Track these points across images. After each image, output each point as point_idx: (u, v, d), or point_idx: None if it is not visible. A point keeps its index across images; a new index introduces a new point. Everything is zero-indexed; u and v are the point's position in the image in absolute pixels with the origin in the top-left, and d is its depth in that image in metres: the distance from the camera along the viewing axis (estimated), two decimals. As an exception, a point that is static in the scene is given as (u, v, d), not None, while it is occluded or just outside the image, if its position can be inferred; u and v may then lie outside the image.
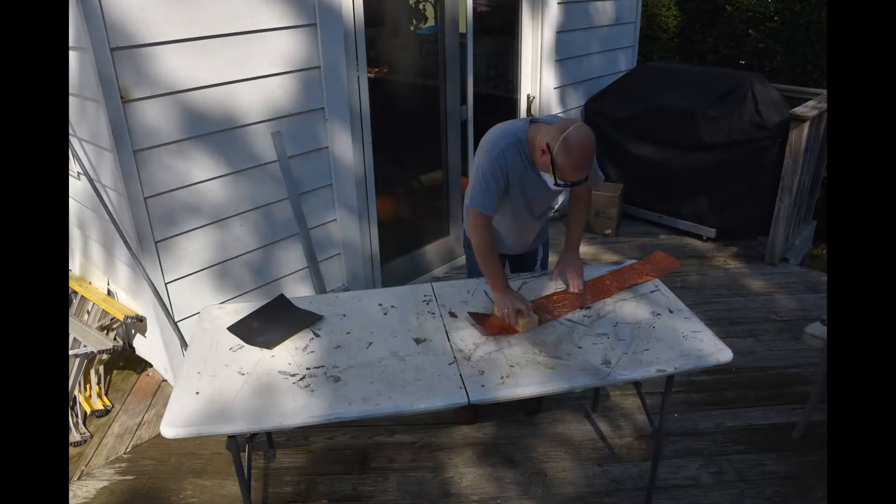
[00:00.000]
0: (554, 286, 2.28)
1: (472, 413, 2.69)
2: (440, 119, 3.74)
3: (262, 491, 2.39)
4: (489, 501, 2.33)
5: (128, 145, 2.35)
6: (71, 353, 2.69)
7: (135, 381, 3.07)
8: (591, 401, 2.78)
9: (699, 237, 4.31)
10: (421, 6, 3.67)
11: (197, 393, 1.76)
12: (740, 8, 5.79)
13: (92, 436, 2.69)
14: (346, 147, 3.08)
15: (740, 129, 3.90)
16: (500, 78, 4.41)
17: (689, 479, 2.40)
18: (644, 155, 4.32)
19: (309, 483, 2.43)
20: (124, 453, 2.60)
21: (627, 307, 2.15)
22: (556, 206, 4.51)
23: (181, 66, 2.42)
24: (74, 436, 2.64)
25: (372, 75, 3.23)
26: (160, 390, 2.99)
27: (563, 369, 1.85)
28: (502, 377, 1.81)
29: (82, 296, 3.06)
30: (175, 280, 2.66)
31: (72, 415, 2.70)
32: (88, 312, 3.02)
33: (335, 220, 3.20)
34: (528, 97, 4.20)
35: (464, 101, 3.73)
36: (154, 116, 2.40)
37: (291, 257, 3.07)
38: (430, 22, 3.63)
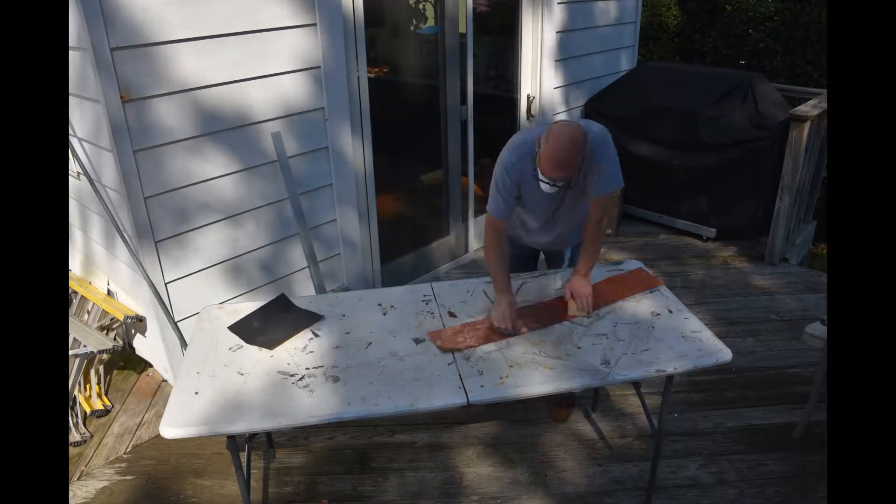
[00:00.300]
0: (553, 288, 2.28)
1: (566, 409, 2.72)
2: (440, 119, 3.74)
3: (262, 491, 2.39)
4: (489, 501, 2.33)
5: (128, 145, 2.35)
6: (71, 353, 2.69)
7: (135, 381, 3.07)
8: (590, 401, 2.78)
9: (699, 237, 4.31)
10: (421, 6, 3.67)
11: (196, 393, 1.76)
12: (740, 8, 5.79)
13: (92, 436, 2.69)
14: (346, 147, 3.08)
15: (740, 129, 3.90)
16: (500, 78, 4.41)
17: (689, 479, 2.40)
18: (644, 155, 4.32)
19: (309, 483, 2.43)
20: (124, 453, 2.60)
21: (627, 307, 2.15)
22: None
23: (181, 66, 2.42)
24: (74, 436, 2.63)
25: (372, 75, 3.23)
26: (160, 390, 2.99)
27: (563, 369, 1.85)
28: (501, 377, 1.81)
29: (82, 296, 3.06)
30: (175, 280, 2.66)
31: (72, 415, 2.70)
32: (88, 312, 3.02)
33: (335, 219, 3.20)
34: (529, 97, 4.20)
35: (464, 101, 3.73)
36: (154, 116, 2.40)
37: (291, 257, 3.07)
38: (430, 22, 3.63)
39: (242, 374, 1.84)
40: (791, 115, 3.63)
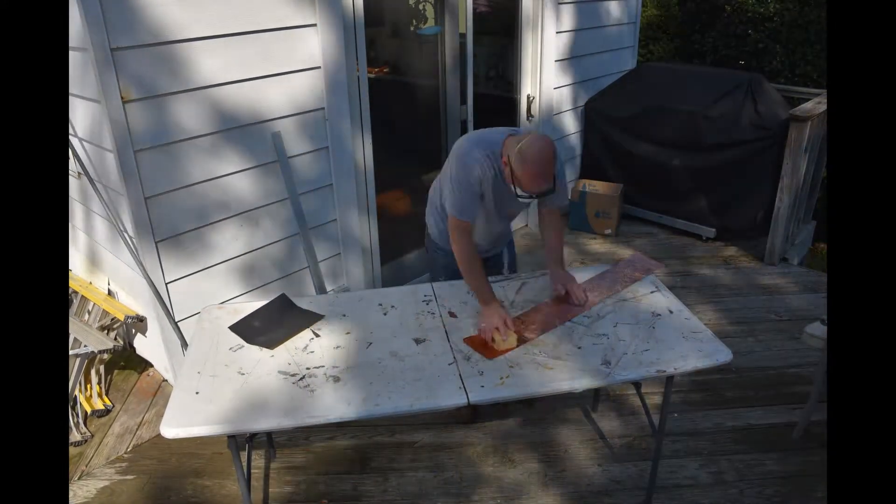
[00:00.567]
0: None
1: (471, 412, 2.69)
2: (440, 119, 3.74)
3: (263, 491, 2.39)
4: (489, 501, 2.34)
5: (128, 145, 2.35)
6: (71, 353, 2.69)
7: (135, 380, 3.07)
8: (590, 401, 2.78)
9: (699, 237, 4.31)
10: (421, 6, 3.67)
11: (197, 393, 1.76)
12: (740, 8, 5.79)
13: (92, 436, 2.69)
14: (347, 147, 3.08)
15: (740, 129, 3.90)
16: (500, 78, 4.41)
17: (689, 478, 2.40)
18: (644, 155, 4.32)
19: (309, 483, 2.43)
20: (125, 453, 2.61)
21: (628, 307, 2.15)
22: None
23: (181, 67, 2.42)
24: (75, 436, 2.64)
25: (372, 75, 3.23)
26: (161, 390, 2.99)
27: (563, 370, 1.85)
28: (502, 378, 1.81)
29: (82, 296, 3.06)
30: (175, 280, 2.66)
31: (72, 415, 2.70)
32: (89, 312, 3.02)
33: (335, 220, 3.20)
34: (528, 97, 4.20)
35: (464, 101, 3.73)
36: (154, 116, 2.40)
37: (292, 257, 3.07)
38: (430, 22, 3.63)
39: (243, 374, 1.85)
40: (791, 115, 3.63)
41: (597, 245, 4.31)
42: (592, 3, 4.35)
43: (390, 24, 3.58)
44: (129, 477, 2.48)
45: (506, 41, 4.16)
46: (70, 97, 2.46)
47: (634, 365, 1.86)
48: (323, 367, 1.88)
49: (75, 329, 2.80)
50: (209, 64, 2.50)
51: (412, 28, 3.72)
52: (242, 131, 2.69)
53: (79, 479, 2.46)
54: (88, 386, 2.89)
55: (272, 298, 2.23)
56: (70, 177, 2.77)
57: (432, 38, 3.60)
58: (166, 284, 2.63)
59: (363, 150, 3.23)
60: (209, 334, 2.05)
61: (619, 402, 2.81)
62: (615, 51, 4.80)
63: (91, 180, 2.52)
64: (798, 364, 3.03)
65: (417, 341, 2.00)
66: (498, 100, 4.31)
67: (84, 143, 2.58)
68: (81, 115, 2.48)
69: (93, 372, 2.93)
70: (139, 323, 2.89)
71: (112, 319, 2.95)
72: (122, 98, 2.28)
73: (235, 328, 2.06)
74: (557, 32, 4.11)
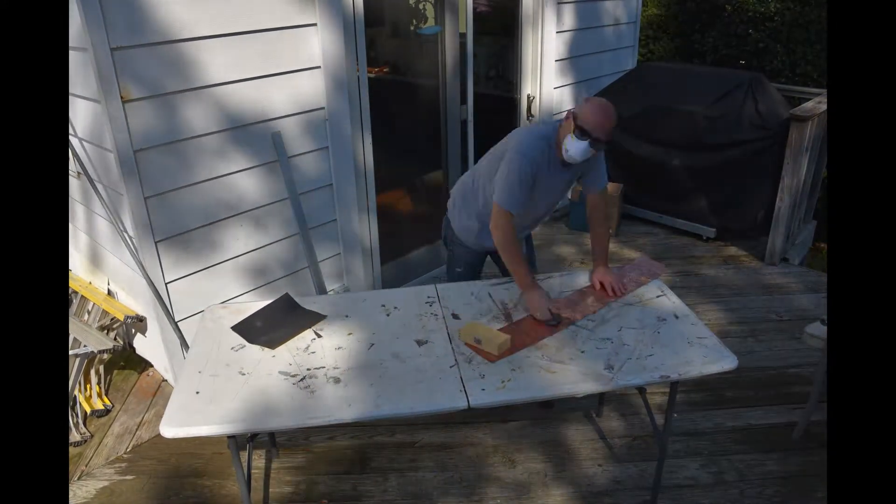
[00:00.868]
0: (558, 289, 2.28)
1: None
2: (440, 119, 3.73)
3: (263, 491, 2.39)
4: (490, 501, 2.33)
5: (128, 145, 2.35)
6: (71, 353, 2.69)
7: (135, 381, 3.07)
8: (594, 402, 2.77)
9: (699, 237, 4.31)
10: (421, 6, 3.67)
11: (197, 392, 1.76)
12: (740, 8, 5.79)
13: (92, 436, 2.69)
14: (347, 147, 3.08)
15: (740, 129, 3.90)
16: (500, 78, 4.41)
17: (689, 479, 2.40)
18: (644, 155, 4.32)
19: (309, 483, 2.43)
20: (124, 453, 2.60)
21: (632, 312, 2.14)
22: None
23: (181, 66, 2.42)
24: (74, 436, 2.63)
25: (372, 75, 3.23)
26: (160, 390, 2.99)
27: (566, 374, 1.84)
28: (503, 381, 1.81)
29: (82, 296, 3.06)
30: (175, 280, 2.66)
31: (72, 415, 2.70)
32: (88, 312, 3.02)
33: (335, 220, 3.20)
34: (529, 97, 4.20)
35: (464, 101, 3.73)
36: (154, 116, 2.40)
37: (292, 257, 3.07)
38: (431, 22, 3.63)
39: (244, 375, 1.84)
40: (791, 115, 3.63)
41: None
42: (592, 3, 4.35)
43: (390, 24, 3.58)
44: (128, 477, 2.48)
45: (506, 41, 4.16)
46: (70, 97, 2.46)
47: (638, 370, 1.84)
48: (324, 367, 1.88)
49: (75, 329, 2.80)
50: (209, 63, 2.50)
51: (412, 28, 3.72)
52: (242, 131, 2.69)
53: (78, 479, 2.46)
54: (88, 386, 2.89)
55: (275, 298, 2.23)
56: (70, 177, 2.77)
57: (432, 38, 3.60)
58: (166, 284, 2.63)
59: (363, 150, 3.23)
60: (212, 334, 2.05)
61: (621, 402, 2.81)
62: (615, 50, 4.80)
63: (91, 180, 2.52)
64: (798, 364, 3.03)
65: (419, 343, 1.99)
66: (498, 100, 4.31)
67: (84, 143, 2.58)
68: (81, 115, 2.48)
69: (92, 372, 2.93)
70: (139, 323, 2.89)
71: (112, 319, 2.95)
72: (121, 98, 2.28)
73: (238, 328, 2.06)
74: (558, 32, 4.11)
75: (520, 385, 1.79)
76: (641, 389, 2.33)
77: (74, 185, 2.82)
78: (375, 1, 3.16)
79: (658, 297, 2.23)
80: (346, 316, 2.15)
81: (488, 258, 2.61)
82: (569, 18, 4.19)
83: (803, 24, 5.47)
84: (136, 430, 2.73)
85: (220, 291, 2.83)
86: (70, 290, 3.09)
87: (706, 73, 4.56)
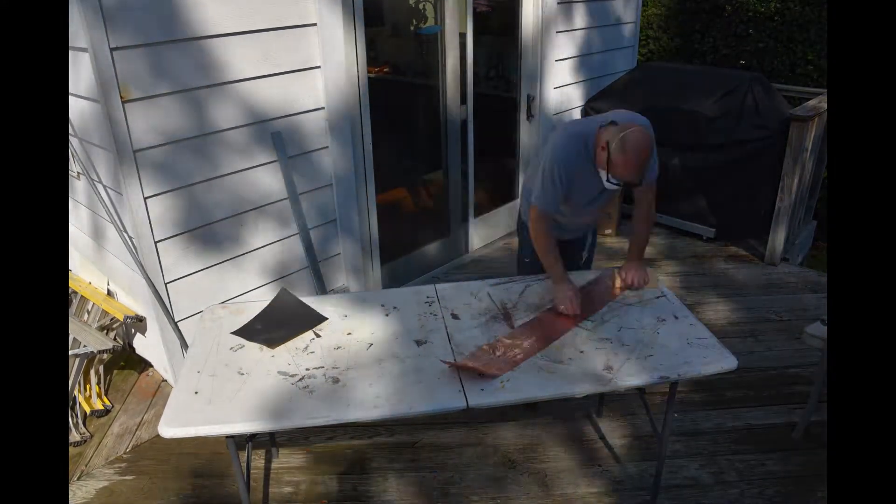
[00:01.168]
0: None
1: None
2: (440, 119, 3.73)
3: (263, 491, 2.39)
4: (489, 501, 2.33)
5: (128, 145, 2.35)
6: (71, 353, 2.69)
7: (135, 381, 3.07)
8: (592, 400, 2.77)
9: (699, 237, 4.31)
10: (421, 6, 3.67)
11: (196, 392, 1.76)
12: (740, 8, 5.79)
13: (92, 436, 2.69)
14: (346, 147, 3.08)
15: (740, 129, 3.90)
16: (500, 78, 4.40)
17: (689, 479, 2.40)
18: (644, 155, 4.31)
19: (309, 483, 2.43)
20: (124, 453, 2.60)
21: (632, 312, 2.13)
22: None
23: (181, 66, 2.42)
24: (74, 436, 2.63)
25: (372, 75, 3.22)
26: (160, 390, 2.99)
27: (565, 374, 1.84)
28: (502, 381, 1.81)
29: (82, 296, 3.06)
30: (175, 280, 2.66)
31: (72, 415, 2.70)
32: (88, 312, 3.02)
33: (335, 220, 3.20)
34: (529, 97, 4.20)
35: (464, 101, 3.73)
36: (154, 116, 2.40)
37: (291, 257, 3.07)
38: (430, 22, 3.63)
39: (243, 375, 1.84)
40: (791, 115, 3.63)
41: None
42: (593, 3, 4.35)
43: (390, 24, 3.58)
44: (128, 477, 2.48)
45: (506, 41, 4.16)
46: (70, 97, 2.46)
47: (637, 370, 1.84)
48: (323, 367, 1.88)
49: (75, 329, 2.80)
50: (209, 63, 2.50)
51: (412, 28, 3.72)
52: (242, 131, 2.69)
53: (78, 479, 2.46)
54: (88, 386, 2.89)
55: (273, 297, 2.23)
56: (70, 177, 2.77)
57: (432, 38, 3.60)
58: (166, 284, 2.63)
59: (363, 150, 3.23)
60: (211, 334, 2.05)
61: (621, 402, 2.81)
62: (615, 50, 4.79)
63: (91, 180, 2.52)
64: (798, 364, 3.03)
65: (419, 343, 1.99)
66: (498, 100, 4.31)
67: (84, 143, 2.58)
68: (81, 115, 2.48)
69: (92, 372, 2.93)
70: (139, 323, 2.89)
71: (112, 319, 2.95)
72: (121, 98, 2.28)
73: (239, 332, 2.05)
74: (558, 32, 4.11)
75: (519, 385, 1.79)
76: (641, 390, 2.33)
77: (75, 185, 2.82)
78: (375, 1, 3.16)
79: (658, 297, 2.23)
80: (346, 316, 2.15)
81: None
82: (569, 18, 4.19)
83: (803, 24, 5.47)
84: (136, 430, 2.73)
85: (220, 291, 2.83)
86: (70, 290, 3.09)
87: (706, 73, 4.56)
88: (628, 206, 4.52)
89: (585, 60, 4.50)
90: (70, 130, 2.58)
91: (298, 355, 1.94)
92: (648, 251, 4.17)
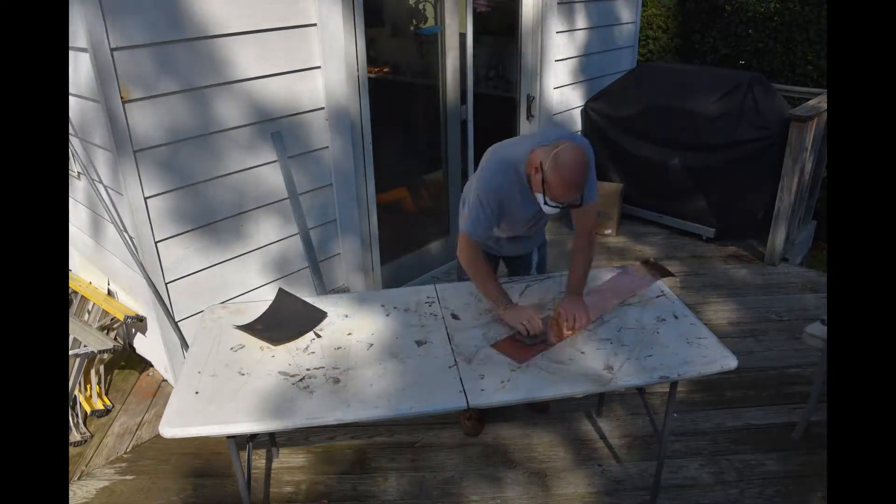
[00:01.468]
0: (558, 290, 2.28)
1: (477, 425, 2.66)
2: (440, 119, 3.73)
3: (263, 491, 2.39)
4: (489, 501, 2.33)
5: (128, 145, 2.35)
6: (71, 353, 2.69)
7: (135, 381, 3.07)
8: (592, 400, 2.77)
9: (699, 237, 4.31)
10: (421, 6, 3.67)
11: (197, 393, 1.76)
12: (740, 8, 5.79)
13: (92, 436, 2.69)
14: (346, 147, 3.08)
15: (740, 129, 3.90)
16: (500, 78, 4.41)
17: (689, 479, 2.40)
18: (644, 155, 4.32)
19: (309, 483, 2.43)
20: (124, 453, 2.61)
21: (632, 312, 2.13)
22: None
23: (180, 66, 2.42)
24: (74, 436, 2.64)
25: (372, 75, 3.23)
26: (160, 390, 2.99)
27: (565, 374, 1.84)
28: (502, 382, 1.81)
29: (82, 296, 3.06)
30: (175, 280, 2.66)
31: (72, 415, 2.70)
32: (88, 312, 3.02)
33: (335, 220, 3.20)
34: (529, 97, 4.20)
35: (464, 101, 3.73)
36: (154, 116, 2.40)
37: (291, 257, 3.07)
38: (430, 22, 3.63)
39: (243, 375, 1.84)
40: (791, 115, 3.63)
41: (597, 245, 4.30)
42: (593, 3, 4.35)
43: (390, 24, 3.58)
44: (128, 477, 2.48)
45: (506, 41, 4.16)
46: (70, 97, 2.46)
47: (637, 370, 1.84)
48: (323, 367, 1.88)
49: (75, 329, 2.80)
50: (209, 63, 2.50)
51: (412, 28, 3.72)
52: (242, 131, 2.69)
53: (78, 479, 2.46)
54: (88, 386, 2.89)
55: (273, 299, 2.23)
56: (70, 176, 2.77)
57: (432, 38, 3.60)
58: (166, 284, 2.63)
59: (363, 150, 3.23)
60: (212, 333, 2.05)
61: (621, 402, 2.81)
62: (615, 50, 4.80)
63: (91, 180, 2.52)
64: (798, 364, 3.03)
65: (419, 343, 1.99)
66: (498, 100, 4.31)
67: (84, 143, 2.58)
68: (82, 115, 2.48)
69: (92, 372, 2.93)
70: (139, 323, 2.89)
71: (112, 319, 2.95)
72: (121, 98, 2.28)
73: (242, 327, 2.06)
74: (557, 32, 4.11)
75: (519, 385, 1.79)
76: (641, 389, 2.33)
77: (75, 185, 2.82)
78: (375, 1, 3.16)
79: (658, 297, 2.23)
80: (346, 316, 2.15)
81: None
82: (569, 18, 4.19)
83: (803, 24, 5.47)
84: (136, 430, 2.73)
85: (221, 291, 2.83)
86: (70, 290, 3.09)
87: (706, 73, 4.56)
88: (629, 206, 4.56)
89: (585, 60, 4.50)
90: (70, 130, 2.58)
91: (299, 355, 1.94)
92: (649, 251, 4.20)
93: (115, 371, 3.11)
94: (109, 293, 3.04)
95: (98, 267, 3.08)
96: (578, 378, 1.82)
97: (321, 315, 2.13)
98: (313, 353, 1.95)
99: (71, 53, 2.28)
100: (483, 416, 2.66)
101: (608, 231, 4.41)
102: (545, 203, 1.94)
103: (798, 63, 5.55)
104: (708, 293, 3.68)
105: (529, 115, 4.23)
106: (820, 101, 3.85)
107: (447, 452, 2.56)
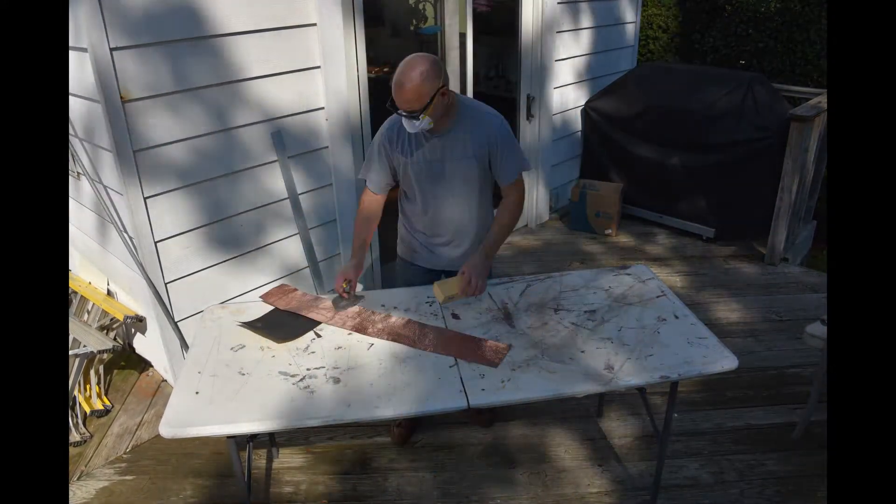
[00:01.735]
0: (559, 289, 2.28)
1: (489, 416, 2.68)
2: (440, 119, 3.73)
3: (263, 491, 2.39)
4: (489, 501, 2.33)
5: (128, 145, 2.35)
6: (71, 353, 2.69)
7: (135, 381, 3.07)
8: (592, 400, 2.77)
9: (699, 237, 4.31)
10: (421, 6, 3.68)
11: (197, 393, 1.76)
12: (740, 8, 5.79)
13: (92, 436, 2.69)
14: (347, 147, 3.08)
15: (740, 129, 3.90)
16: (500, 78, 4.41)
17: (689, 479, 2.40)
18: (644, 155, 4.32)
19: (309, 483, 2.43)
20: (124, 453, 2.61)
21: (632, 312, 2.13)
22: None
23: (181, 67, 2.42)
24: (74, 436, 2.63)
25: (372, 75, 3.23)
26: (160, 390, 2.99)
27: (565, 374, 1.83)
28: (503, 381, 1.81)
29: (82, 296, 3.06)
30: (175, 280, 2.66)
31: (72, 415, 2.70)
32: (88, 312, 3.02)
33: (335, 219, 3.20)
34: (528, 97, 4.20)
35: (464, 101, 3.73)
36: (154, 116, 2.40)
37: (292, 257, 3.07)
38: (430, 22, 3.63)
39: (243, 375, 1.84)
40: (791, 115, 3.63)
41: (597, 245, 4.31)
42: (592, 3, 4.35)
43: (390, 24, 3.59)
44: (128, 477, 2.48)
45: (506, 41, 4.16)
46: (70, 97, 2.46)
47: (638, 370, 1.84)
48: (323, 367, 1.88)
49: (75, 329, 2.80)
50: (209, 63, 2.50)
51: (412, 28, 3.72)
52: (242, 131, 2.69)
53: (78, 479, 2.46)
54: (88, 386, 2.89)
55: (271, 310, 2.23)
56: (70, 177, 2.77)
57: (432, 38, 3.60)
58: (166, 284, 2.63)
59: (363, 150, 3.23)
60: (212, 334, 2.05)
61: (621, 402, 2.81)
62: (615, 50, 4.80)
63: (91, 180, 2.52)
64: (798, 364, 3.03)
65: (418, 341, 1.99)
66: (498, 100, 4.29)
67: (84, 143, 2.58)
68: (81, 115, 2.48)
69: (92, 372, 2.93)
70: (138, 323, 2.89)
71: (112, 319, 2.95)
72: (121, 98, 2.28)
73: (245, 324, 2.06)
74: (557, 32, 4.11)
75: (519, 385, 1.79)
76: (641, 389, 2.33)
77: (75, 185, 2.82)
78: (375, 1, 3.16)
79: (658, 297, 2.23)
80: (346, 316, 2.15)
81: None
82: (569, 18, 4.19)
83: (803, 24, 5.47)
84: (136, 430, 2.73)
85: (220, 291, 2.83)
86: (70, 290, 3.09)
87: (706, 72, 4.56)
88: (629, 206, 4.56)
89: (585, 60, 4.50)
90: (70, 130, 2.58)
91: (299, 355, 1.94)
92: (650, 251, 4.21)
93: (115, 371, 3.11)
94: (109, 293, 3.04)
95: (98, 267, 3.08)
96: (579, 378, 1.82)
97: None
98: (313, 353, 1.95)
99: (71, 53, 2.28)
100: (412, 427, 2.63)
101: (608, 231, 4.41)
102: (399, 114, 1.99)
103: (798, 63, 5.56)
104: (708, 293, 3.68)
105: (529, 115, 4.23)
106: (820, 101, 3.85)
107: (447, 452, 2.56)
